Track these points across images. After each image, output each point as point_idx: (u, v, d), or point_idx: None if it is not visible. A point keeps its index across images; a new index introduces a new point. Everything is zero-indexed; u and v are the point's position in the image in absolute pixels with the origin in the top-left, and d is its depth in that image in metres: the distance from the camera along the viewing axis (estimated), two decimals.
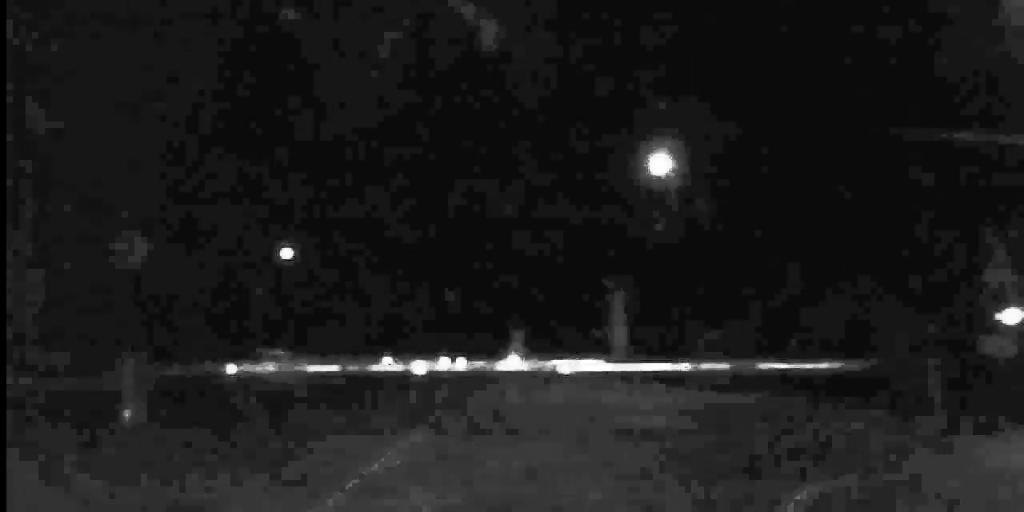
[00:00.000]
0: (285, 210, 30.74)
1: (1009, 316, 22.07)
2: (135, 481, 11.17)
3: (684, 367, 26.10)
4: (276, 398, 23.10)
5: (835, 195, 24.35)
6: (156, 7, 22.50)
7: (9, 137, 19.46)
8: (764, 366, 23.64)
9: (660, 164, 23.56)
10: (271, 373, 27.29)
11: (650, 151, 23.52)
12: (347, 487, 10.85)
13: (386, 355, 29.03)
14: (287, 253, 33.72)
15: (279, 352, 29.66)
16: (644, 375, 27.24)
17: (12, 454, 11.76)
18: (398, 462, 12.93)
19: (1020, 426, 16.39)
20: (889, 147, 22.55)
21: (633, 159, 24.82)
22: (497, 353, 29.93)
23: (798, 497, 10.29)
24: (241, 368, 25.84)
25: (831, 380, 22.28)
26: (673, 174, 23.88)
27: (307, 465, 12.63)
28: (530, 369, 28.21)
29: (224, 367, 25.35)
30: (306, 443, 14.78)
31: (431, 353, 29.28)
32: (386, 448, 13.93)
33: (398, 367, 27.34)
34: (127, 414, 17.05)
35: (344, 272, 32.79)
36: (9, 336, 19.75)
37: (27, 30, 20.11)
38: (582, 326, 31.25)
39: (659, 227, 28.34)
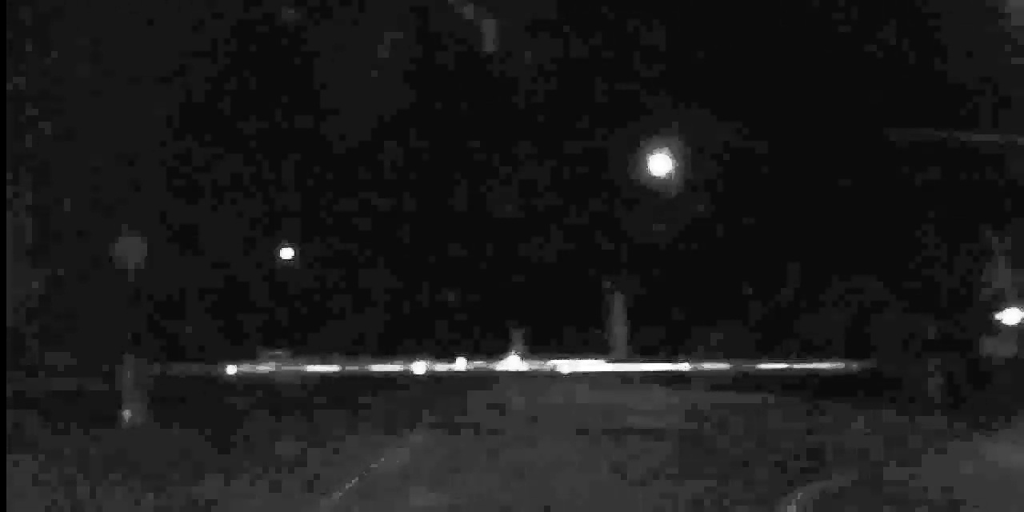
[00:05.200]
0: (285, 210, 30.74)
1: (1009, 316, 22.07)
2: (135, 482, 11.16)
3: (684, 367, 26.09)
4: (276, 398, 23.09)
5: (835, 195, 24.35)
6: (156, 6, 22.50)
7: (9, 137, 19.45)
8: (764, 366, 23.62)
9: (660, 164, 23.55)
10: (271, 373, 27.27)
11: (650, 151, 23.51)
12: (347, 487, 10.85)
13: (386, 355, 29.01)
14: (287, 253, 33.72)
15: (279, 352, 29.63)
16: (644, 375, 27.24)
17: (12, 454, 11.76)
18: (398, 462, 12.92)
19: (1020, 425, 16.39)
20: (889, 147, 22.55)
21: (633, 159, 24.82)
22: (497, 353, 29.90)
23: (798, 497, 10.29)
24: (241, 368, 25.82)
25: (831, 380, 22.27)
26: (673, 174, 23.86)
27: (307, 465, 12.62)
28: (530, 369, 28.19)
29: (224, 367, 25.33)
30: (306, 443, 14.77)
31: (431, 353, 29.26)
32: (386, 448, 13.92)
33: (398, 367, 27.32)
34: (127, 414, 17.03)
35: (344, 272, 32.78)
36: (9, 336, 19.74)
37: (29, 29, 20.12)
38: (582, 326, 31.22)
39: (659, 227, 28.34)
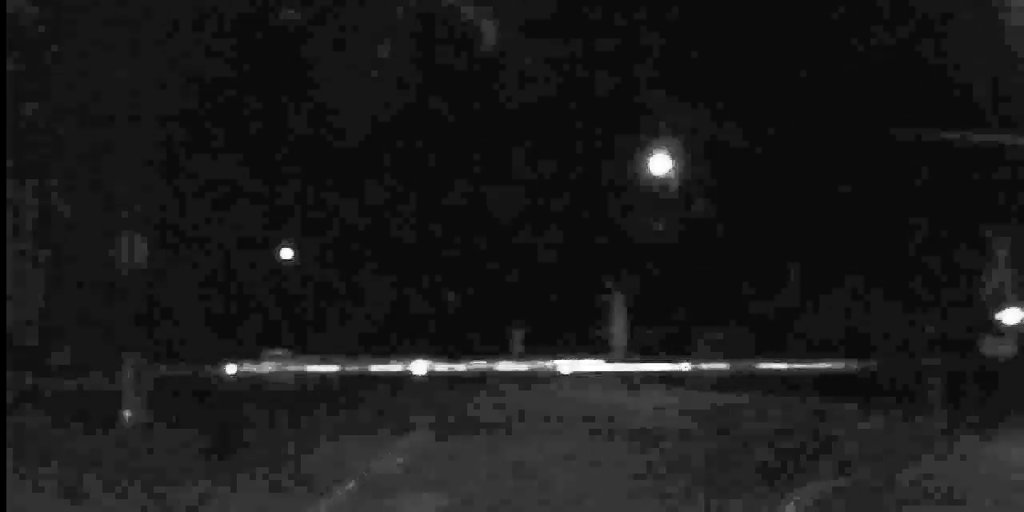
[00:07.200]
0: (285, 210, 30.70)
1: (1009, 316, 22.11)
2: (136, 482, 11.16)
3: (684, 367, 26.06)
4: (276, 398, 23.08)
5: (835, 195, 24.34)
6: (156, 5, 22.49)
7: (9, 137, 19.45)
8: (764, 366, 23.60)
9: (660, 164, 23.55)
10: (271, 373, 27.25)
11: (650, 151, 23.53)
12: (347, 487, 10.86)
13: (386, 355, 28.99)
14: (287, 253, 33.69)
15: (279, 352, 29.60)
16: (644, 375, 27.21)
17: (12, 454, 11.76)
18: (398, 462, 12.92)
19: (1020, 426, 16.39)
20: (889, 147, 22.55)
21: (633, 159, 24.83)
22: (497, 353, 29.87)
23: (798, 497, 10.29)
24: (241, 368, 25.79)
25: (831, 380, 22.26)
26: (673, 174, 23.87)
27: (307, 465, 12.62)
28: (530, 369, 28.19)
29: (224, 367, 25.31)
30: (306, 443, 14.77)
31: (430, 353, 29.23)
32: (386, 448, 13.92)
33: (398, 367, 27.31)
34: (127, 414, 17.03)
35: (344, 272, 32.75)
36: (9, 335, 19.74)
37: (26, 26, 20.11)
38: (582, 326, 31.19)
39: (659, 227, 28.33)
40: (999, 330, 22.15)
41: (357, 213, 30.69)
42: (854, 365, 22.34)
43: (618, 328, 30.94)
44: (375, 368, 27.06)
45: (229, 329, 29.25)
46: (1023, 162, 20.83)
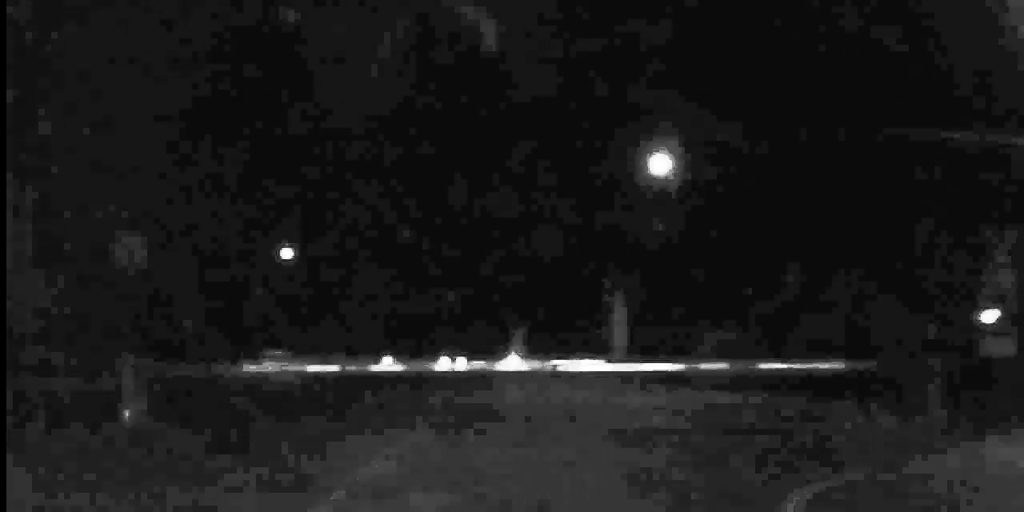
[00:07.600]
0: (285, 210, 30.74)
1: (987, 316, 22.22)
2: (135, 482, 11.16)
3: (684, 367, 26.07)
4: (276, 398, 23.09)
5: (835, 195, 24.35)
6: (155, 5, 22.50)
7: (9, 137, 19.44)
8: (764, 366, 23.60)
9: (660, 164, 23.54)
10: (271, 373, 27.26)
11: (650, 151, 23.52)
12: (347, 487, 10.85)
13: (386, 355, 29.02)
14: (287, 253, 33.74)
15: (279, 352, 29.63)
16: (644, 375, 27.24)
17: (12, 454, 11.77)
18: (398, 462, 12.92)
19: (1020, 425, 16.41)
20: (889, 147, 22.56)
21: (633, 159, 24.83)
22: (497, 353, 29.92)
23: (798, 496, 10.29)
24: (241, 368, 25.80)
25: (831, 380, 22.27)
26: (673, 174, 23.86)
27: (307, 465, 12.62)
28: (530, 369, 28.21)
29: (224, 367, 25.32)
30: (306, 443, 14.77)
31: (431, 353, 29.27)
32: (386, 448, 13.94)
33: (398, 367, 27.32)
34: (127, 414, 17.03)
35: (344, 272, 32.80)
36: (9, 336, 19.74)
37: (25, 27, 20.11)
38: (582, 326, 31.24)
39: (659, 227, 28.36)
40: (997, 330, 22.19)
41: (357, 213, 30.74)
42: (854, 365, 22.34)
43: (618, 328, 30.99)
44: (375, 368, 27.04)
45: (229, 329, 29.28)
46: (1022, 162, 20.85)
